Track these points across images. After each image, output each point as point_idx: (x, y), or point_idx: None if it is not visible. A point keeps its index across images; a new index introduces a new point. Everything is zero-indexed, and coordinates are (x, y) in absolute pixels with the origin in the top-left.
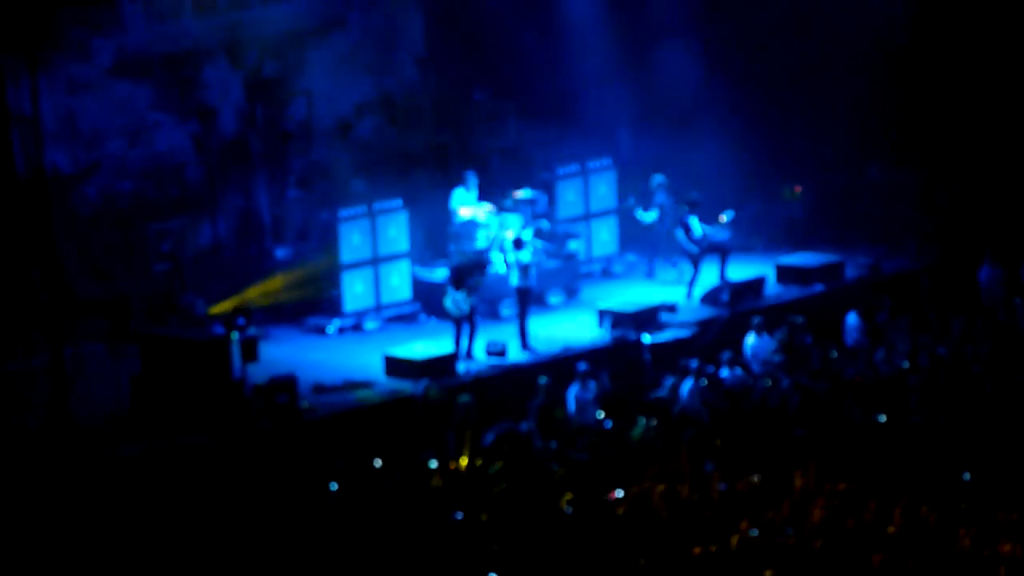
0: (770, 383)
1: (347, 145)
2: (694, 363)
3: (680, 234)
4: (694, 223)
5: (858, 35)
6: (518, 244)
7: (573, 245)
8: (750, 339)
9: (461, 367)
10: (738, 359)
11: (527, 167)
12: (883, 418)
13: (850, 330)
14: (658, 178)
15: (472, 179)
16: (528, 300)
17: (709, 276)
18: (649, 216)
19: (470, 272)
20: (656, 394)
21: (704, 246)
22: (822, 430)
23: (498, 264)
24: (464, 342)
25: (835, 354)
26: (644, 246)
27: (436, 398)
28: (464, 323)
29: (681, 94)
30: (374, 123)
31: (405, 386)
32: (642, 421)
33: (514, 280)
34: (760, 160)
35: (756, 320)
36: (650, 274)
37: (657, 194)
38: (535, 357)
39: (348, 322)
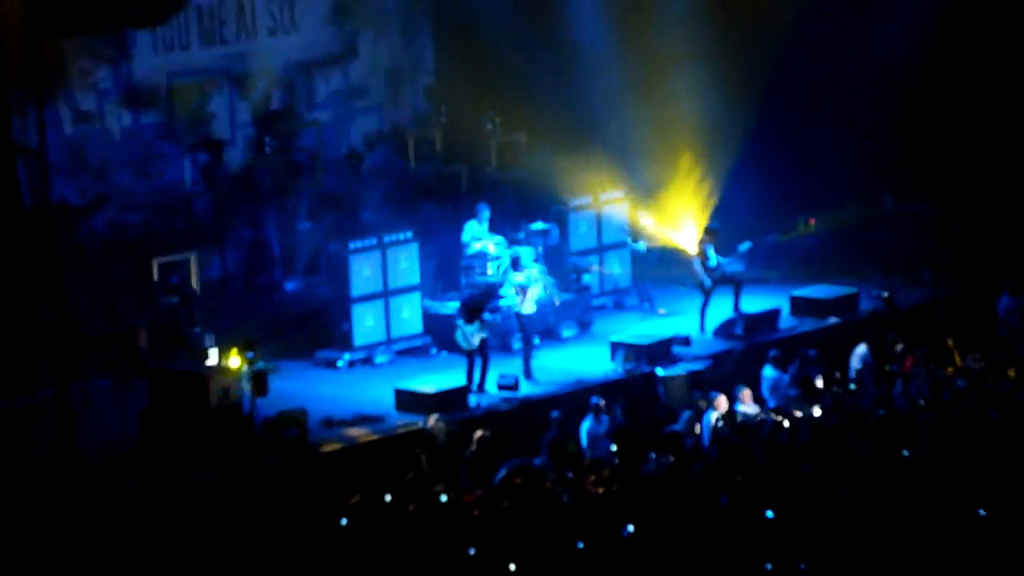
0: (780, 418)
1: (357, 176)
2: (713, 396)
3: (696, 263)
4: (711, 253)
5: (872, 64)
6: (515, 264)
7: (587, 278)
8: (767, 372)
9: (472, 401)
10: (752, 394)
11: (539, 198)
12: (899, 453)
13: (858, 363)
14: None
15: (484, 211)
16: (528, 327)
17: (723, 308)
18: (641, 245)
19: (480, 305)
20: (671, 428)
21: (717, 276)
22: (829, 466)
23: (509, 297)
24: (476, 376)
25: (852, 387)
26: (641, 279)
27: (445, 432)
28: (475, 356)
29: (695, 123)
30: (384, 154)
31: (415, 420)
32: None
33: (514, 305)
34: (774, 191)
35: (773, 353)
36: (652, 307)
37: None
38: (547, 390)
39: (358, 356)
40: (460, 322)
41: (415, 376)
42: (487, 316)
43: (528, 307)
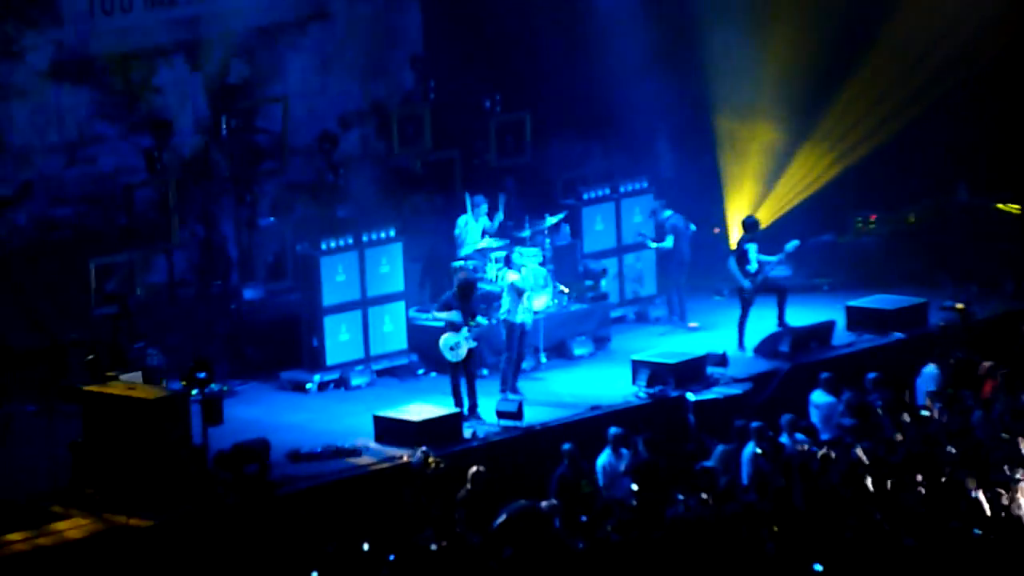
0: (832, 452)
1: (330, 163)
2: (753, 425)
3: (732, 264)
4: (751, 252)
5: (944, 40)
6: (507, 261)
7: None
8: (818, 398)
9: (467, 431)
10: (800, 423)
11: (546, 190)
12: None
13: (927, 387)
14: (655, 205)
15: (481, 204)
16: (515, 339)
17: (765, 321)
18: (665, 243)
19: (471, 287)
20: (704, 464)
21: (758, 282)
22: (891, 510)
23: (503, 302)
24: (465, 396)
25: (921, 415)
26: (666, 284)
27: (434, 468)
28: (461, 372)
29: (734, 102)
30: (362, 137)
31: (400, 453)
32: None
33: (504, 310)
34: (828, 182)
35: (825, 375)
36: (681, 317)
37: (666, 220)
38: (557, 418)
39: (331, 377)
40: (438, 313)
41: (399, 401)
42: (481, 319)
43: (522, 314)
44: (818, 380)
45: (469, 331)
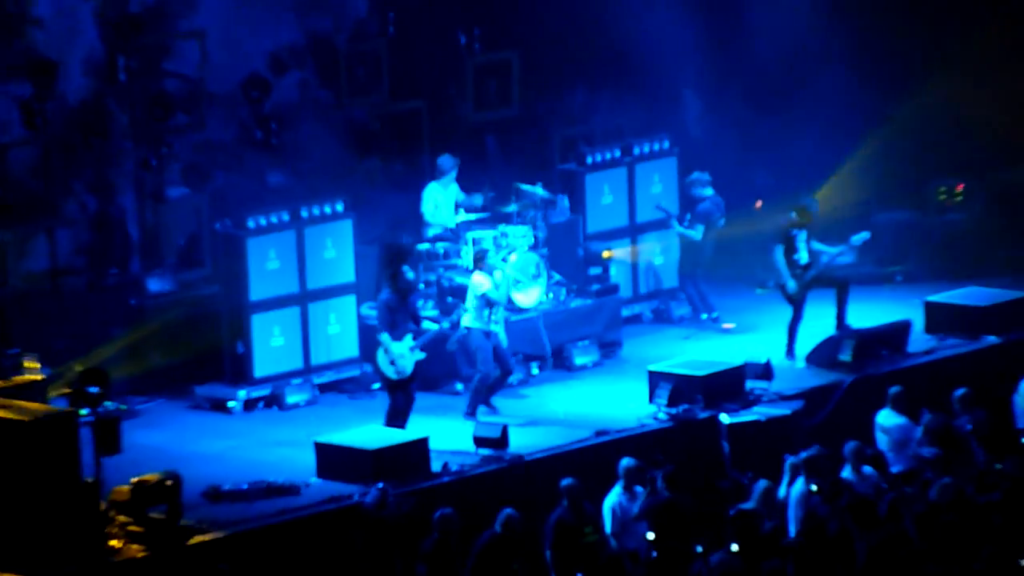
0: (908, 490)
1: (260, 116)
2: (804, 455)
3: (779, 256)
4: (800, 242)
5: None
6: (478, 261)
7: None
8: (888, 419)
9: (437, 464)
10: (867, 453)
11: (539, 152)
12: None
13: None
14: (698, 177)
15: (452, 169)
16: (489, 348)
17: (821, 321)
18: (695, 232)
19: (403, 255)
20: (741, 506)
21: (807, 280)
22: (986, 565)
23: (471, 311)
24: (393, 424)
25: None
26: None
27: (394, 509)
28: (399, 393)
29: (781, 45)
30: (301, 82)
31: (349, 492)
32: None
33: (471, 317)
34: (897, 148)
35: (896, 390)
36: (708, 315)
37: (700, 200)
38: (552, 446)
39: (260, 393)
40: (385, 335)
41: (348, 424)
42: (428, 324)
43: (494, 324)
44: (888, 397)
45: (415, 339)
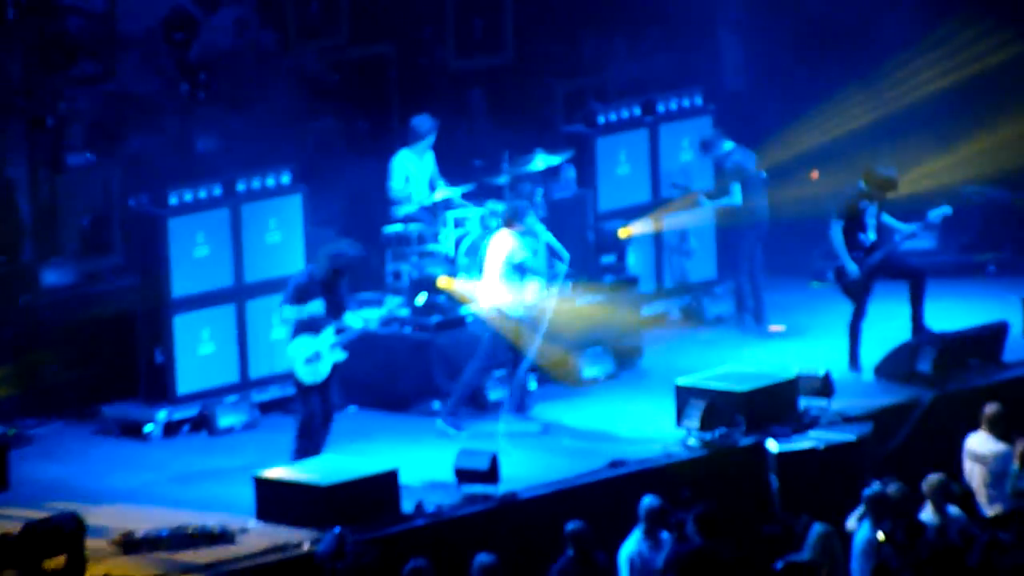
0: (1007, 537)
1: (184, 65)
2: (873, 491)
3: (836, 234)
4: (870, 218)
5: None
6: (512, 219)
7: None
8: (980, 446)
9: (409, 503)
10: (952, 489)
11: (538, 109)
12: None
13: None
14: (710, 138)
15: (429, 133)
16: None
17: (893, 322)
18: (732, 197)
19: (343, 267)
20: (792, 557)
21: (874, 263)
22: None
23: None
24: (305, 444)
25: None
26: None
27: (356, 562)
28: (316, 397)
29: None
30: (237, 22)
31: (297, 538)
32: None
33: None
34: (984, 107)
35: (992, 409)
36: (757, 317)
37: (726, 158)
38: (554, 481)
39: (184, 414)
40: (288, 309)
41: (295, 453)
42: (352, 321)
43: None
44: (982, 417)
45: (338, 335)
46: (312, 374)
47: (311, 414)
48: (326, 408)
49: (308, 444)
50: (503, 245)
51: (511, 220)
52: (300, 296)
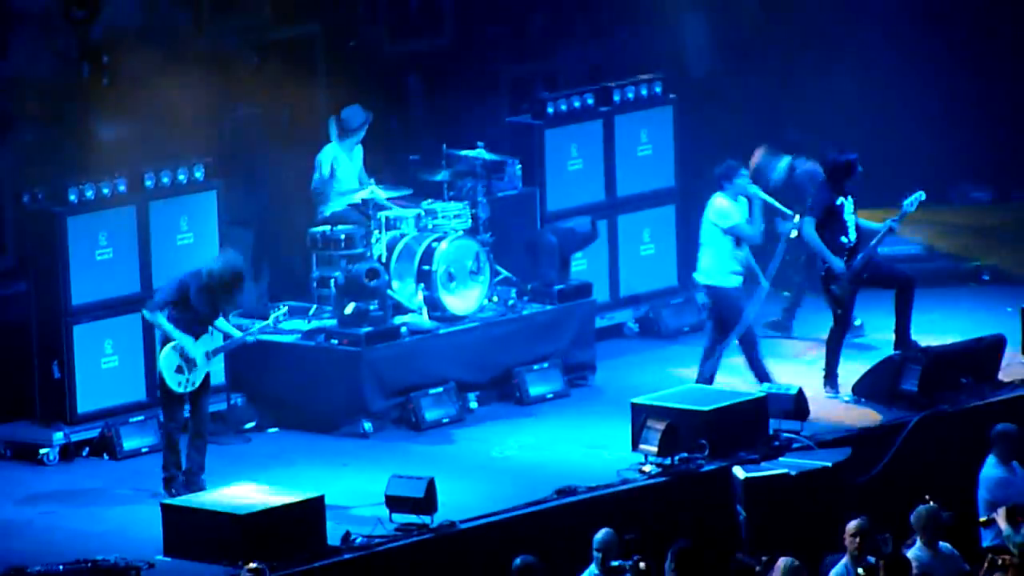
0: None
1: (86, 45)
2: (855, 527)
3: (811, 234)
4: (848, 213)
5: None
6: (724, 176)
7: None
8: (985, 469)
9: (335, 534)
10: (943, 518)
11: (480, 97)
12: None
13: None
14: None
15: (361, 127)
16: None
17: (874, 336)
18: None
19: (234, 280)
20: None
21: (858, 266)
22: None
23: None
24: (171, 458)
25: None
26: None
27: None
28: (181, 413)
29: None
30: None
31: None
32: None
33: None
34: (973, 94)
35: (1000, 430)
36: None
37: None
38: (499, 509)
39: (85, 435)
40: (161, 320)
41: (209, 479)
42: (226, 327)
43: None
44: (992, 441)
45: (215, 344)
46: (183, 384)
47: (177, 426)
48: (198, 421)
49: (173, 458)
50: (714, 209)
51: (721, 181)
52: (173, 301)
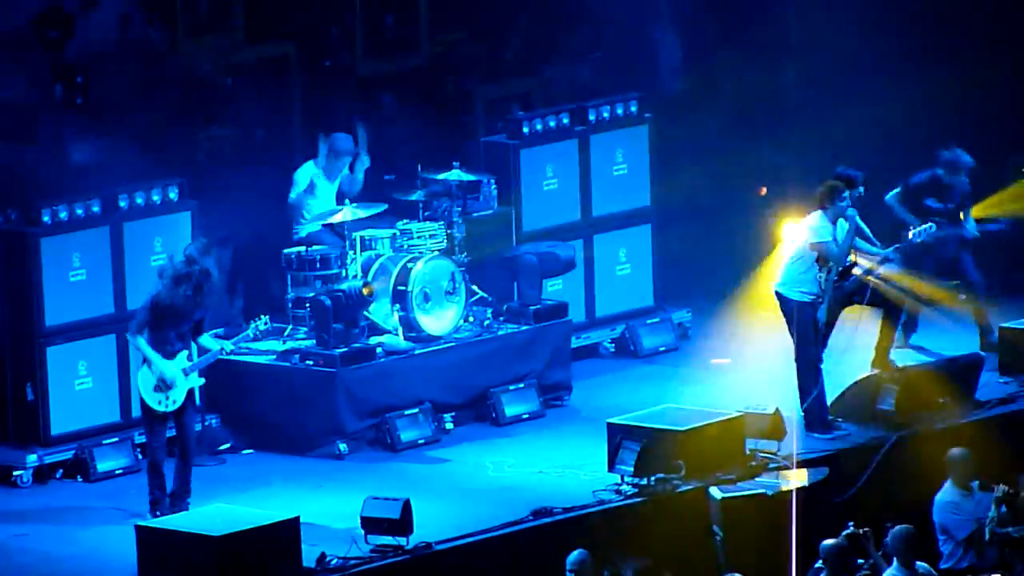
0: None
1: (60, 66)
2: (827, 548)
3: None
4: (841, 231)
5: None
6: (827, 197)
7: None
8: (948, 494)
9: (310, 556)
10: (918, 541)
11: (455, 117)
12: None
13: None
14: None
15: (347, 155)
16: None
17: (854, 356)
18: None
19: (202, 280)
20: None
21: (850, 287)
22: None
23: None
24: (156, 480)
25: None
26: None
27: None
28: (160, 426)
29: None
30: (121, 17)
31: None
32: None
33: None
34: (957, 115)
35: (954, 455)
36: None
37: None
38: (474, 533)
39: (59, 456)
40: (141, 343)
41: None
42: (209, 341)
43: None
44: (950, 466)
45: (191, 359)
46: (164, 403)
47: (160, 446)
48: (184, 440)
49: (157, 480)
50: (806, 224)
51: (823, 200)
52: (150, 321)
